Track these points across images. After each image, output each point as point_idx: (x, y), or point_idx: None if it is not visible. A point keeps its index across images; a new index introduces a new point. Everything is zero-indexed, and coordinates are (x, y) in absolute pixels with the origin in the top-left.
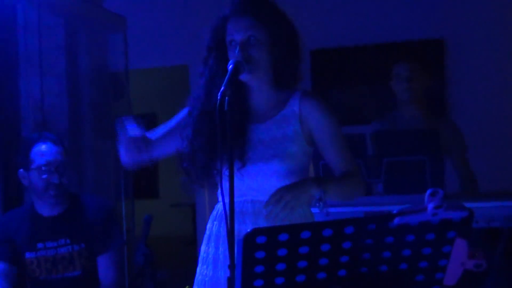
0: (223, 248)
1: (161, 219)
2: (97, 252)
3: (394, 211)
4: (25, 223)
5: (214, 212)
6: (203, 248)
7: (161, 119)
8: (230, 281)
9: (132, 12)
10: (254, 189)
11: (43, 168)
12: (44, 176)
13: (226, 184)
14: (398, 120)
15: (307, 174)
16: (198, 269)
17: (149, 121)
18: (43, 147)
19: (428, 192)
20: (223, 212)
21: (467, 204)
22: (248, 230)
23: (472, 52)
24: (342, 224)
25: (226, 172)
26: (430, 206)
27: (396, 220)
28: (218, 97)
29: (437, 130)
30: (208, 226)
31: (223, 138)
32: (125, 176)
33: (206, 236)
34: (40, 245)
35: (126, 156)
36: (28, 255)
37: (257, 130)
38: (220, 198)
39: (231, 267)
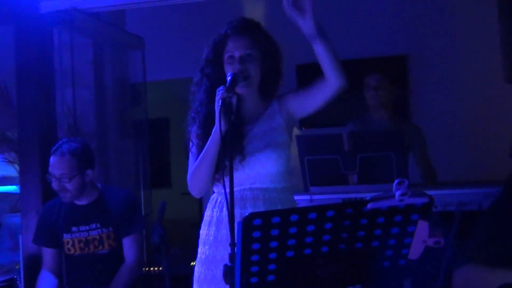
0: (226, 230)
1: (174, 205)
2: (122, 234)
3: (367, 198)
4: (62, 211)
5: (212, 202)
6: (203, 231)
7: (173, 123)
8: (232, 256)
9: (148, 33)
10: (252, 177)
11: (49, 177)
12: (52, 184)
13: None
14: (369, 122)
15: (290, 164)
16: (199, 250)
17: (163, 125)
18: (52, 159)
19: (395, 181)
20: (222, 200)
21: (428, 191)
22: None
23: (431, 65)
24: (324, 208)
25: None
26: (397, 193)
27: (369, 205)
28: (220, 102)
29: (401, 130)
30: (208, 213)
31: (228, 137)
32: (143, 170)
33: (205, 221)
34: (74, 228)
35: None
36: (65, 236)
37: (250, 129)
38: (215, 190)
39: (232, 245)
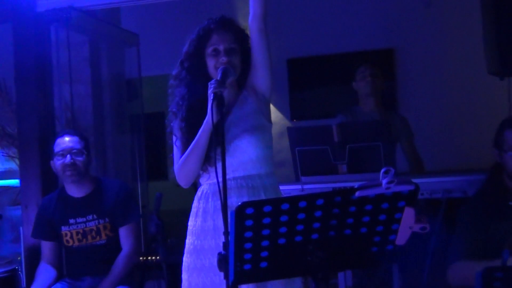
0: (212, 221)
1: (169, 196)
2: (119, 224)
3: (356, 186)
4: (59, 204)
5: (199, 193)
6: (190, 223)
7: (168, 116)
8: (225, 245)
9: (143, 30)
10: (235, 165)
11: (59, 153)
12: (59, 161)
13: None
14: (358, 113)
15: (272, 148)
16: (187, 240)
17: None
18: (61, 139)
19: (382, 170)
20: (207, 192)
21: (414, 180)
22: (235, 203)
23: (417, 59)
24: (314, 197)
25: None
26: (384, 181)
27: (357, 193)
28: (212, 96)
29: (389, 121)
30: (194, 204)
31: (219, 129)
32: (140, 162)
33: (192, 213)
34: (71, 220)
35: None
36: (63, 229)
37: (227, 117)
38: (202, 182)
39: (226, 233)
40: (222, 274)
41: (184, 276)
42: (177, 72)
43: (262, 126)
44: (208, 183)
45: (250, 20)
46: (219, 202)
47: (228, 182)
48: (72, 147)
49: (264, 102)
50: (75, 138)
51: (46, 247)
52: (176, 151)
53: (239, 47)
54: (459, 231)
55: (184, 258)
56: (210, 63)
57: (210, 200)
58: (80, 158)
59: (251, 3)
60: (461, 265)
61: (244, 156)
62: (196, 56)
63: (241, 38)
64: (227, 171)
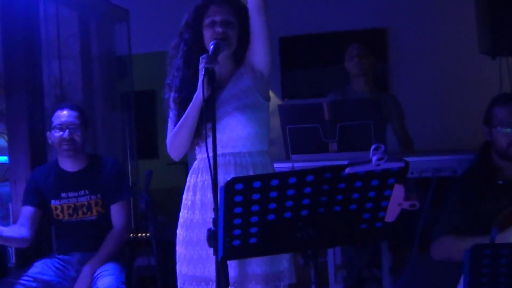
0: (200, 195)
1: (160, 175)
2: (111, 201)
3: (345, 163)
4: (51, 177)
5: (193, 167)
6: (184, 196)
7: (159, 95)
8: (215, 221)
9: (134, 6)
10: (224, 142)
11: (57, 127)
12: (57, 134)
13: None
14: (350, 92)
15: (267, 126)
16: (180, 213)
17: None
18: (60, 112)
19: (372, 147)
20: (198, 166)
21: (405, 158)
22: (222, 179)
23: (410, 39)
24: (304, 173)
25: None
26: (374, 158)
27: (347, 170)
28: (203, 71)
29: (380, 100)
30: (188, 178)
31: (210, 104)
32: (130, 141)
33: (186, 187)
34: (63, 194)
35: None
36: (53, 202)
37: (220, 94)
38: (197, 155)
39: (215, 209)
40: (208, 248)
41: (177, 248)
42: (176, 43)
43: (255, 104)
44: (199, 157)
45: None
46: (207, 177)
47: (218, 158)
48: (71, 121)
49: (261, 79)
50: (75, 113)
51: (25, 212)
52: (169, 122)
53: (237, 20)
54: (447, 208)
55: (177, 231)
56: (206, 34)
57: (199, 175)
58: (78, 133)
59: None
60: (445, 240)
61: (233, 133)
62: (194, 27)
63: (240, 13)
64: (217, 147)
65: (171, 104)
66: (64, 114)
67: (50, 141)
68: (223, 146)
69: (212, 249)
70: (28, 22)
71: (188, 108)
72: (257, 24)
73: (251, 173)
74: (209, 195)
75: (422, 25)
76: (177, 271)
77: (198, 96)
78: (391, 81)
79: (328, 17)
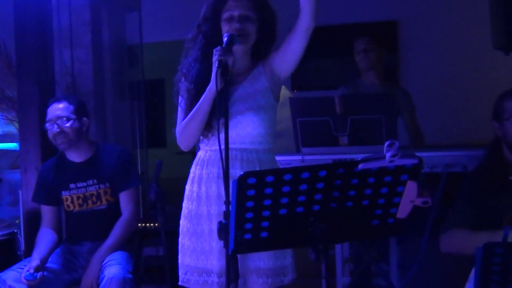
0: (205, 188)
1: (168, 164)
2: (119, 189)
3: (358, 159)
4: (58, 169)
5: (197, 158)
6: (187, 187)
7: (168, 84)
8: (226, 214)
9: None
10: (233, 137)
11: (48, 123)
12: (48, 130)
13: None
14: (360, 86)
15: (274, 126)
16: (183, 205)
17: (159, 86)
18: (49, 108)
19: (386, 143)
20: (204, 158)
21: (416, 153)
22: (229, 173)
23: (421, 31)
24: (316, 168)
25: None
26: (388, 154)
27: (360, 166)
28: (216, 63)
29: (391, 94)
30: (192, 170)
31: (222, 96)
32: (140, 129)
33: (190, 178)
34: (72, 185)
35: None
36: (63, 194)
37: (235, 90)
38: (201, 147)
39: (227, 202)
40: (212, 240)
41: (180, 238)
42: (193, 35)
43: (269, 106)
44: (206, 149)
45: (301, 18)
46: (213, 169)
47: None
48: (58, 115)
49: (278, 82)
50: (63, 104)
51: (46, 211)
52: (180, 112)
53: (256, 15)
54: (458, 203)
55: (180, 222)
56: (224, 28)
57: (205, 167)
58: (67, 124)
59: (303, 2)
60: (456, 233)
61: (243, 131)
62: (212, 20)
63: (259, 6)
64: (222, 141)
65: (184, 94)
66: (52, 109)
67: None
68: (231, 142)
69: (215, 242)
70: (40, 10)
71: (201, 99)
72: (299, 42)
73: (257, 169)
74: (214, 187)
75: (433, 18)
76: (179, 261)
77: (211, 88)
78: (401, 74)
79: (339, 9)
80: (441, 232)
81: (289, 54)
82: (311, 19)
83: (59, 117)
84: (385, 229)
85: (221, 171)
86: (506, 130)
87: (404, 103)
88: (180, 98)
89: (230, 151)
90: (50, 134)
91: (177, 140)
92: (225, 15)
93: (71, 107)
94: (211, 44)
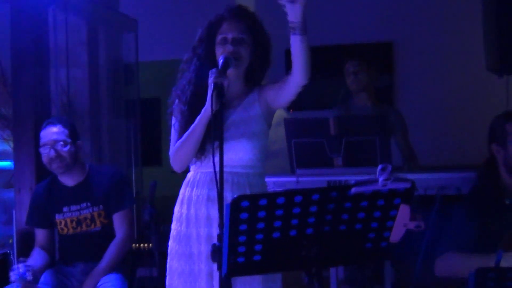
0: (195, 209)
1: (163, 183)
2: (113, 211)
3: (352, 181)
4: (51, 193)
5: (186, 179)
6: (177, 208)
7: (164, 102)
8: (220, 236)
9: (142, 15)
10: (224, 161)
11: (43, 147)
12: (44, 153)
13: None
14: (352, 107)
15: (266, 151)
16: (172, 226)
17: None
18: (43, 132)
19: (379, 167)
20: (194, 180)
21: (409, 176)
22: (217, 195)
23: (416, 53)
24: (310, 192)
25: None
26: (381, 178)
27: (353, 189)
28: (212, 85)
29: (384, 115)
30: (181, 191)
31: (218, 119)
32: (135, 148)
33: (179, 199)
34: (65, 208)
35: None
36: (57, 217)
37: (230, 114)
38: (192, 168)
39: (220, 225)
40: (201, 262)
41: (168, 260)
42: (188, 57)
43: (261, 132)
44: (196, 170)
45: (293, 73)
46: (203, 191)
47: (211, 174)
48: (55, 139)
49: (271, 112)
50: (58, 128)
51: (40, 233)
52: (173, 133)
53: (250, 38)
54: (453, 226)
55: (169, 243)
56: (218, 52)
57: (195, 188)
58: (65, 149)
59: (295, 59)
60: (450, 256)
61: (235, 156)
62: (206, 43)
63: (254, 29)
64: (216, 164)
65: (178, 116)
66: (47, 133)
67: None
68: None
69: (204, 264)
70: (37, 29)
71: (195, 121)
72: (291, 92)
73: (248, 192)
74: (204, 209)
75: (428, 39)
76: (167, 284)
77: (206, 110)
78: (396, 94)
79: (334, 30)
80: (436, 255)
81: (282, 96)
82: (303, 77)
83: (56, 141)
84: (378, 252)
85: (210, 193)
86: (510, 154)
87: (396, 123)
88: (173, 120)
89: (217, 175)
90: (45, 159)
91: (171, 161)
92: (219, 37)
93: (66, 131)
94: (206, 66)
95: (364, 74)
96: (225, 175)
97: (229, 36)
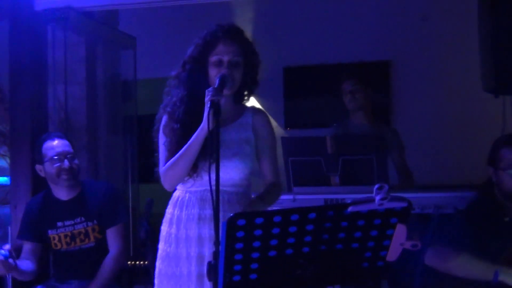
0: (185, 230)
1: (161, 199)
2: (107, 226)
3: (348, 200)
4: (45, 207)
5: (173, 199)
6: (164, 228)
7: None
8: (216, 254)
9: (141, 34)
10: (214, 179)
11: (54, 158)
12: (56, 165)
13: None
14: (349, 126)
15: (256, 172)
16: (159, 246)
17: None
18: (51, 142)
19: (376, 186)
20: (183, 199)
21: (406, 195)
22: (208, 214)
23: (413, 72)
24: (306, 210)
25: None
26: (378, 197)
27: (350, 208)
28: (209, 104)
29: (381, 134)
30: (169, 210)
31: (214, 137)
32: (132, 164)
33: (166, 219)
34: (59, 223)
35: None
36: (50, 232)
37: (221, 133)
38: (179, 188)
39: (216, 243)
40: (191, 283)
41: (156, 281)
42: (178, 73)
43: (252, 154)
44: (184, 190)
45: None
46: (193, 211)
47: (205, 193)
48: (68, 151)
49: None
50: (66, 142)
51: (28, 246)
52: (163, 151)
53: (243, 60)
54: (450, 242)
55: (156, 264)
56: (212, 72)
57: (184, 208)
58: (76, 162)
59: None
60: (445, 250)
61: (227, 175)
62: (199, 61)
63: (246, 51)
64: (207, 183)
65: (169, 133)
66: (58, 144)
67: (42, 173)
68: (213, 184)
69: (194, 285)
70: (36, 46)
71: (191, 139)
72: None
73: (238, 211)
74: (195, 229)
75: (425, 59)
76: None
77: (202, 129)
78: (393, 114)
79: (332, 48)
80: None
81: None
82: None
83: (69, 153)
84: (375, 272)
85: (201, 212)
86: (501, 180)
87: (393, 142)
88: (163, 137)
89: (213, 193)
90: (55, 170)
91: (162, 179)
92: (214, 58)
93: (70, 144)
94: (197, 85)
95: (361, 94)
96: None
97: (225, 58)
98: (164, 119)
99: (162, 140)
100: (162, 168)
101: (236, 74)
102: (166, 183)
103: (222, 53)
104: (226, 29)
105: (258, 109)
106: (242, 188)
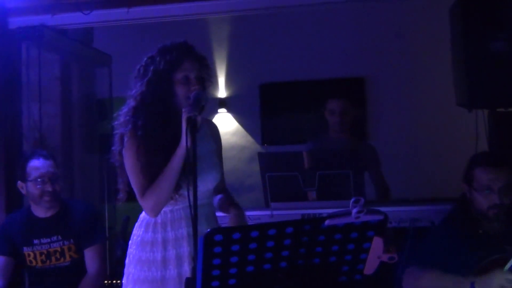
0: (174, 250)
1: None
2: (84, 246)
3: (325, 214)
4: (23, 224)
5: (150, 222)
6: (141, 253)
7: None
8: (194, 270)
9: (116, 51)
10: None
11: (38, 179)
12: (38, 186)
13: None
14: (327, 141)
15: None
16: (132, 270)
17: None
18: (36, 162)
19: (352, 200)
20: (164, 220)
21: (382, 208)
22: (187, 231)
23: (387, 88)
24: (283, 225)
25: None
26: (354, 211)
27: (327, 222)
28: (185, 122)
29: (357, 150)
30: (146, 234)
31: (194, 154)
32: (108, 184)
33: (147, 242)
34: (35, 241)
35: None
36: (25, 249)
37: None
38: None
39: (194, 258)
40: None
41: None
42: (140, 88)
43: (218, 164)
44: (164, 210)
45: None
46: (181, 230)
47: (186, 210)
48: (52, 172)
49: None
50: (51, 163)
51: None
52: (136, 176)
53: (205, 76)
54: (426, 254)
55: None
56: (179, 88)
57: (169, 228)
58: (58, 184)
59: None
60: (414, 270)
61: (204, 187)
62: (164, 77)
63: (206, 68)
64: (184, 200)
65: (142, 157)
66: (42, 165)
67: (24, 191)
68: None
69: None
70: (10, 64)
71: (172, 160)
72: None
73: (205, 224)
74: (186, 247)
75: (399, 75)
76: None
77: (181, 147)
78: (369, 129)
79: (308, 66)
80: (404, 269)
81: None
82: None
83: (54, 175)
84: (352, 285)
85: (190, 230)
86: (474, 198)
87: (370, 158)
88: (132, 161)
89: (187, 209)
90: (37, 191)
91: (146, 207)
92: (180, 75)
93: (55, 165)
94: (162, 101)
95: (350, 115)
96: (198, 209)
97: (192, 75)
98: (131, 142)
99: (129, 164)
100: (142, 197)
101: (204, 89)
102: (152, 211)
103: (188, 70)
104: (189, 46)
105: (209, 120)
106: (211, 198)
